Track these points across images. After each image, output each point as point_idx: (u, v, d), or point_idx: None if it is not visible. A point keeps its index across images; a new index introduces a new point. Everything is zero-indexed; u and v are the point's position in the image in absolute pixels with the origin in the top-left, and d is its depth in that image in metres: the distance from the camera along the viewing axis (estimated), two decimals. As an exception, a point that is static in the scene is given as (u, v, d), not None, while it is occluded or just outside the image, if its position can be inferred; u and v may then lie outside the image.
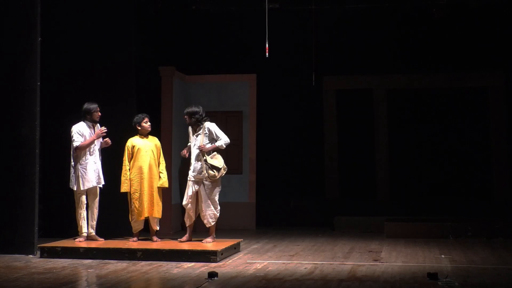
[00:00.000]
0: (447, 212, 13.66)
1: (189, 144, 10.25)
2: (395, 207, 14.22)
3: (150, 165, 10.08)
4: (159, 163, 10.25)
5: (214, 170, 9.92)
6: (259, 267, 8.75)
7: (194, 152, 10.06)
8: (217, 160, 10.00)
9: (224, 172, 10.07)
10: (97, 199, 10.15)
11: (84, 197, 10.01)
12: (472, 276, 8.04)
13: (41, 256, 9.48)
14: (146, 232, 10.49)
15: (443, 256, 9.79)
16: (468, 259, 9.51)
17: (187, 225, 10.19)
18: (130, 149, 10.13)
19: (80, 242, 9.82)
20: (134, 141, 10.16)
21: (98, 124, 10.18)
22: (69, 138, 10.09)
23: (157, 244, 9.84)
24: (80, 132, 10.01)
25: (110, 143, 10.23)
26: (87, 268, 8.63)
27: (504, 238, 11.72)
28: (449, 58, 14.65)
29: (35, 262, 9.10)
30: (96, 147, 10.13)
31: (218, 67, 14.76)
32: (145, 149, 10.09)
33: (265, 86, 14.53)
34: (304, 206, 14.60)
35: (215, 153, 10.04)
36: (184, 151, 10.26)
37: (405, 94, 15.09)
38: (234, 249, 10.07)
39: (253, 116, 14.25)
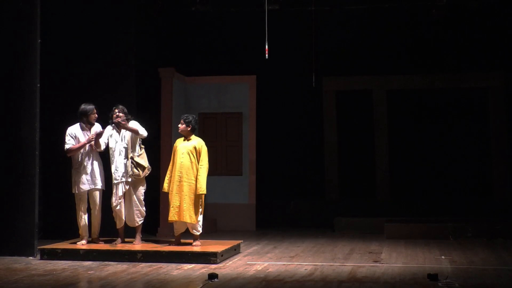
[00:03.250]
0: (447, 213, 13.68)
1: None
2: (395, 208, 14.22)
3: (183, 168, 9.74)
4: (198, 167, 9.81)
5: (139, 169, 9.83)
6: (259, 269, 8.74)
7: (122, 150, 9.91)
8: (143, 159, 9.94)
9: (148, 172, 9.99)
10: (98, 202, 10.00)
11: (83, 200, 9.92)
12: (472, 277, 8.03)
13: (41, 258, 9.48)
14: (150, 234, 10.49)
15: (443, 257, 9.79)
16: (468, 260, 9.51)
17: (117, 228, 10.06)
18: (173, 150, 9.97)
19: (81, 245, 9.77)
20: (177, 142, 9.99)
21: (97, 124, 10.08)
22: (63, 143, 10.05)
23: (157, 245, 9.79)
24: (73, 134, 9.90)
25: (95, 149, 9.99)
26: (87, 270, 8.63)
27: (504, 239, 11.71)
28: (449, 58, 14.66)
29: (35, 264, 9.09)
30: (90, 150, 9.96)
31: (218, 68, 14.76)
32: (181, 151, 9.79)
33: (265, 87, 14.53)
34: (304, 207, 14.60)
35: (142, 152, 9.97)
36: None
37: (404, 95, 15.10)
38: (234, 251, 10.06)
39: (252, 117, 14.25)
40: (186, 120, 9.88)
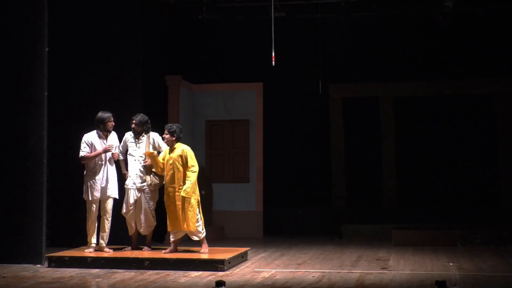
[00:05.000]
0: (455, 220, 13.64)
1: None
2: (402, 214, 14.21)
3: (174, 178, 9.70)
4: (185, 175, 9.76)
5: (158, 178, 9.99)
6: (266, 276, 8.73)
7: (138, 159, 10.00)
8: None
9: (163, 183, 10.05)
10: (109, 210, 9.97)
11: (94, 208, 9.88)
12: (481, 284, 8.01)
13: (49, 266, 9.49)
14: (156, 241, 10.51)
15: (451, 264, 9.76)
16: (477, 267, 9.48)
17: (130, 234, 10.11)
18: (163, 160, 9.88)
19: (89, 253, 9.77)
20: (165, 154, 9.89)
21: (113, 132, 10.08)
22: (76, 148, 10.05)
23: (164, 253, 9.80)
24: (88, 142, 9.88)
25: (117, 157, 10.06)
26: (95, 278, 8.63)
27: (513, 246, 11.70)
28: (456, 65, 14.65)
29: (43, 272, 9.10)
30: (107, 158, 9.95)
31: (225, 76, 14.79)
32: (169, 163, 9.76)
33: (272, 94, 14.55)
34: (311, 214, 14.59)
35: None
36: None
37: (411, 102, 15.08)
38: (242, 258, 10.06)
39: (259, 124, 14.27)
40: (171, 130, 9.79)
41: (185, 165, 9.73)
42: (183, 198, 9.61)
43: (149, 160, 9.96)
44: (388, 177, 14.89)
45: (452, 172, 14.67)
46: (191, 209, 9.63)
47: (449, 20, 13.37)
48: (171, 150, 9.83)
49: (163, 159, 9.86)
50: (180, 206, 9.64)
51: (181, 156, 9.75)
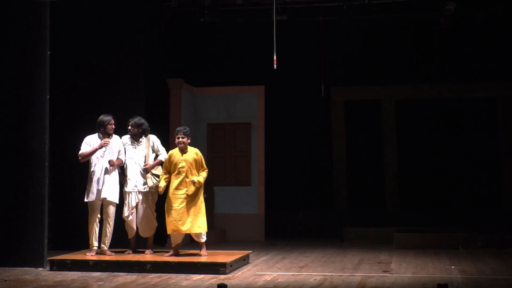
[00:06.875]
0: (457, 223, 13.63)
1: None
2: (404, 217, 14.19)
3: (188, 182, 9.66)
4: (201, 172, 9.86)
5: (157, 178, 9.97)
6: (268, 279, 8.73)
7: (137, 161, 10.04)
8: (158, 170, 10.07)
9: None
10: (111, 214, 9.94)
11: (94, 210, 9.88)
12: (483, 287, 8.00)
13: (51, 269, 9.49)
14: (158, 244, 10.51)
15: (453, 267, 9.75)
16: (479, 270, 9.47)
17: (130, 237, 10.12)
18: (171, 161, 9.77)
19: (91, 256, 9.77)
20: (174, 157, 9.78)
21: (117, 136, 10.06)
22: (78, 150, 10.03)
23: (166, 256, 9.79)
24: (89, 142, 9.91)
25: (114, 164, 9.97)
26: (97, 281, 8.63)
27: (515, 249, 11.69)
28: (458, 68, 14.66)
29: (45, 275, 9.10)
30: (105, 160, 9.92)
31: (227, 79, 14.80)
32: (181, 165, 9.71)
33: (274, 97, 14.56)
34: (313, 217, 14.59)
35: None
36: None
37: (413, 105, 15.10)
38: (244, 261, 10.06)
39: (261, 127, 14.27)
40: (188, 133, 9.82)
41: (198, 168, 9.82)
42: (197, 201, 9.68)
43: (150, 163, 10.02)
44: (390, 180, 14.89)
45: (454, 175, 14.67)
46: (200, 212, 9.73)
47: (450, 23, 13.36)
48: (183, 152, 9.81)
49: (172, 160, 9.79)
50: (192, 209, 9.65)
51: (195, 160, 9.80)
